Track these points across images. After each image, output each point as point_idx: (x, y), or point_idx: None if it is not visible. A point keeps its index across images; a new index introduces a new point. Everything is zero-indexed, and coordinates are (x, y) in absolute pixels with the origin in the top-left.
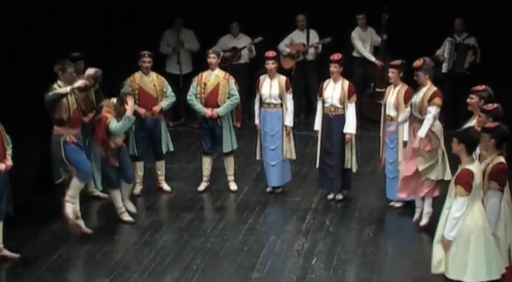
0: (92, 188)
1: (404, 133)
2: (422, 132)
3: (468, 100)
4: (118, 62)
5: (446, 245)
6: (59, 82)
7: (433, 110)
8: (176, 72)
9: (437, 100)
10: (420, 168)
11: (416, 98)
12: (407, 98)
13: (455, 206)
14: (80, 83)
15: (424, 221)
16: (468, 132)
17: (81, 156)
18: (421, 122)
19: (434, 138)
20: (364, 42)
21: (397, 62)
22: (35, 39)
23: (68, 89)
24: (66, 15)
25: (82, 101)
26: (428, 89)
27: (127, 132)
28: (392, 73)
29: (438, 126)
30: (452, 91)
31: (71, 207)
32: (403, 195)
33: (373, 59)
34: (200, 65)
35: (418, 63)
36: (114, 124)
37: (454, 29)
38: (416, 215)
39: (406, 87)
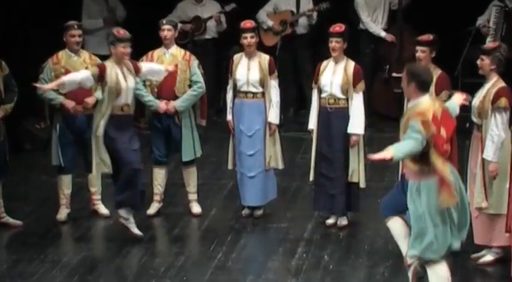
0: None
1: None
2: (490, 155)
3: None
4: (31, 37)
5: None
6: None
7: (498, 121)
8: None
9: (503, 101)
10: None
11: (478, 96)
12: (440, 86)
13: None
14: None
15: (487, 258)
16: None
17: None
18: (480, 129)
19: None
20: (374, 9)
21: (428, 36)
22: None
23: None
24: None
25: None
26: (493, 85)
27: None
28: (422, 53)
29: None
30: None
31: None
32: None
33: (382, 34)
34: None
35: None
36: None
37: None
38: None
39: (439, 71)
